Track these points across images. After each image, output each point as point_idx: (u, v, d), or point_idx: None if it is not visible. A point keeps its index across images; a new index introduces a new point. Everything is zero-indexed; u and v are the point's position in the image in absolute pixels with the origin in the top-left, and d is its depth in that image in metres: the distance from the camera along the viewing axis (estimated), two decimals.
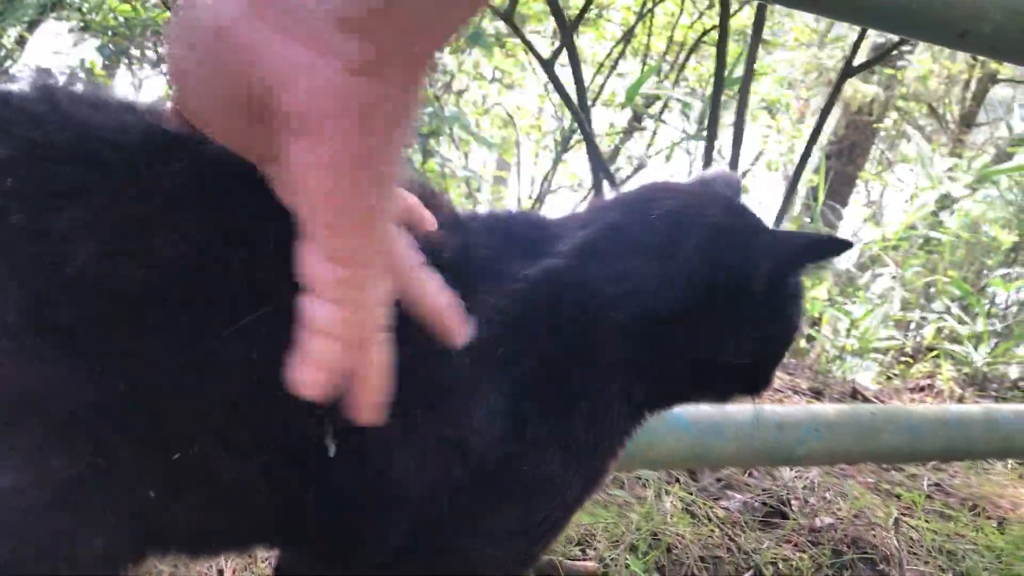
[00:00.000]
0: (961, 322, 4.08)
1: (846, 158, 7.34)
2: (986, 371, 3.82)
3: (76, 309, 0.55)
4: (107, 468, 0.56)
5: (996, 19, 1.17)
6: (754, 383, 0.89)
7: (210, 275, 0.59)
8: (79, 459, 0.55)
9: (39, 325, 0.54)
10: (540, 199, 4.98)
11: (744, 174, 6.99)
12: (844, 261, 5.38)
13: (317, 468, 0.64)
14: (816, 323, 4.56)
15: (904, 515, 1.89)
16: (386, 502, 0.69)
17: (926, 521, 1.92)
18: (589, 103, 4.74)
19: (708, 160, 1.98)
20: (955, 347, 3.95)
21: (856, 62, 1.85)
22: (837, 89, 1.68)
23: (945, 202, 4.67)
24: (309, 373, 0.51)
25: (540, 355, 0.72)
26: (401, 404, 0.60)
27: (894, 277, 4.89)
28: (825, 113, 1.74)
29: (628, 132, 4.57)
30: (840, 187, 7.23)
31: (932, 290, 5.32)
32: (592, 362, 0.75)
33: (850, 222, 7.36)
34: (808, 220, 4.69)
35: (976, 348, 3.79)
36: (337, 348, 0.51)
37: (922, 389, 4.89)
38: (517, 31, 1.77)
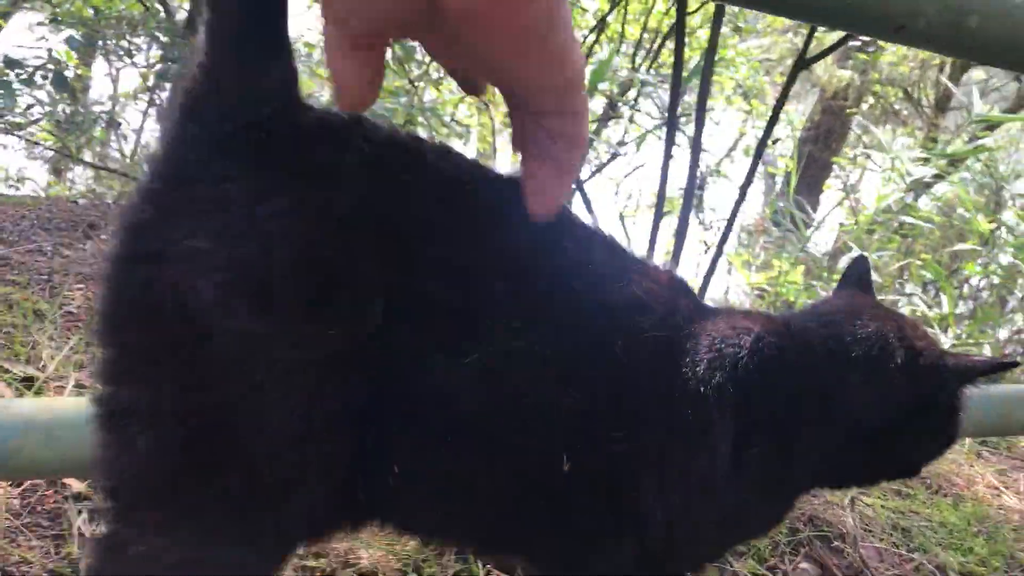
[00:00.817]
0: (929, 305, 4.14)
1: (822, 143, 7.41)
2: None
3: None
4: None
5: (930, 14, 1.21)
6: (907, 472, 1.10)
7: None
8: None
9: None
10: None
11: (720, 162, 7.04)
12: (819, 247, 5.43)
13: (567, 492, 0.79)
14: (790, 308, 4.62)
15: (861, 493, 1.95)
16: (625, 523, 0.83)
17: (883, 499, 1.97)
18: None
19: (670, 146, 2.02)
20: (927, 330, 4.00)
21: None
22: (791, 80, 1.72)
23: (914, 186, 4.72)
24: (555, 201, 0.64)
25: (760, 424, 0.88)
26: (652, 439, 0.80)
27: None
28: (780, 102, 1.78)
29: (603, 120, 4.60)
30: (817, 172, 7.30)
31: (906, 274, 5.39)
32: (798, 443, 0.92)
33: (826, 207, 7.44)
34: (781, 204, 4.73)
35: (944, 331, 3.85)
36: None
37: None
38: None
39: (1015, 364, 1.02)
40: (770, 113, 2.14)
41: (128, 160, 4.84)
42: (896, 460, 1.05)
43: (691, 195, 2.04)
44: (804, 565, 1.71)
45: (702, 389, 0.83)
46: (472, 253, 0.73)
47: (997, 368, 1.01)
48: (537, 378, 0.75)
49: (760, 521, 1.01)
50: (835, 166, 7.26)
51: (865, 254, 1.25)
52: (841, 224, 5.33)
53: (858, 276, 1.13)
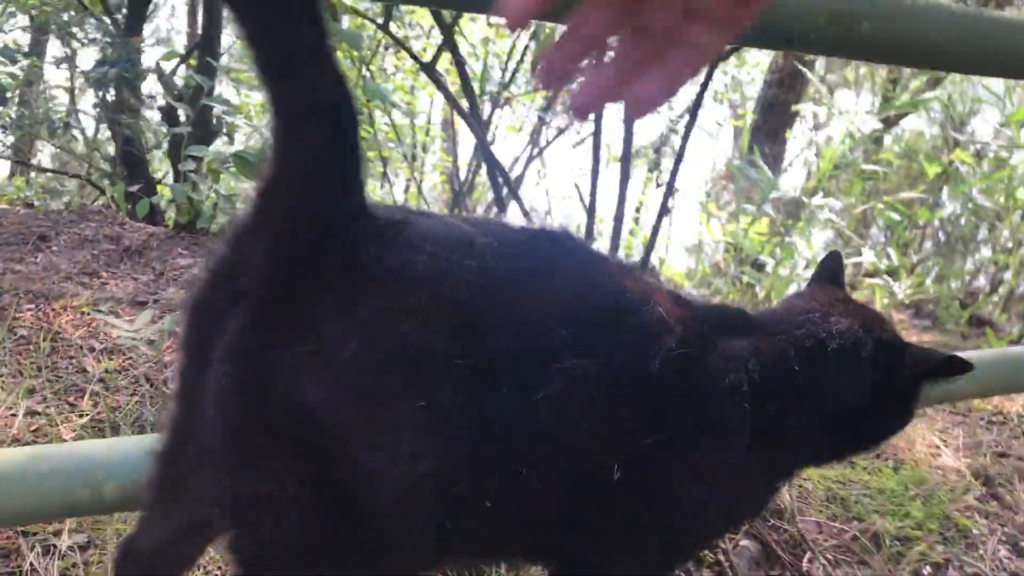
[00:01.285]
0: (880, 256, 4.21)
1: (787, 86, 7.38)
2: (906, 301, 3.96)
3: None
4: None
5: (818, 25, 1.23)
6: (869, 447, 1.23)
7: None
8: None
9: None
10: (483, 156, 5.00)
11: (681, 116, 7.02)
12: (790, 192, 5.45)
13: (611, 498, 0.91)
14: (755, 261, 4.67)
15: None
16: (655, 514, 0.96)
17: (823, 470, 2.04)
18: (514, 68, 4.76)
19: (599, 117, 2.04)
20: (876, 280, 4.08)
21: None
22: (709, 76, 1.74)
23: (866, 141, 4.75)
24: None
25: (762, 419, 0.98)
26: (681, 438, 0.92)
27: (829, 208, 4.99)
28: (699, 99, 1.80)
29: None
30: (781, 116, 7.29)
31: (869, 217, 5.44)
32: (791, 434, 1.04)
33: (794, 149, 7.45)
34: (737, 161, 4.76)
35: (896, 279, 3.92)
36: None
37: None
38: (394, 38, 1.80)
39: (969, 367, 1.09)
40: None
41: (85, 150, 4.78)
42: (861, 439, 1.16)
43: (627, 160, 2.06)
44: (744, 543, 1.78)
45: (720, 391, 0.96)
46: (528, 309, 0.85)
47: (949, 365, 1.10)
48: (592, 403, 0.87)
49: (753, 506, 1.14)
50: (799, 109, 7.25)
51: (838, 250, 1.36)
52: (805, 182, 5.37)
53: (831, 271, 1.26)
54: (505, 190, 2.16)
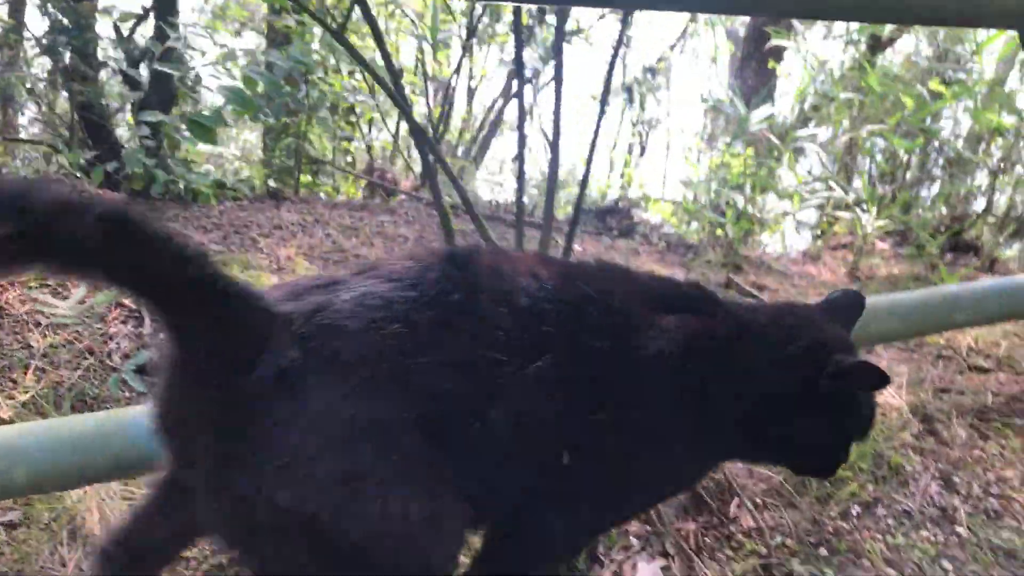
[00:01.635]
0: (846, 191, 4.17)
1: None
2: (875, 233, 3.94)
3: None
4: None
5: None
6: (823, 470, 1.27)
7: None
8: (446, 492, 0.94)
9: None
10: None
11: (662, 57, 6.90)
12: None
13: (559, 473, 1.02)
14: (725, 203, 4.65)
15: None
16: (590, 485, 1.05)
17: None
18: (473, 21, 4.70)
19: (520, 68, 2.02)
20: (845, 213, 4.05)
21: None
22: (624, 29, 1.72)
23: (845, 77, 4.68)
24: None
25: (688, 395, 1.07)
26: (621, 411, 1.02)
27: (814, 137, 4.94)
28: (616, 50, 1.79)
29: (531, 27, 4.54)
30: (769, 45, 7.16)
31: (855, 148, 5.38)
32: (718, 416, 1.11)
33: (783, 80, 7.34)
34: (709, 95, 4.70)
35: (866, 211, 3.89)
36: None
37: (844, 246, 5.02)
38: (299, 3, 1.77)
39: (885, 382, 1.11)
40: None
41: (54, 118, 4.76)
42: (803, 449, 1.18)
43: (559, 110, 2.04)
44: None
45: (646, 360, 1.04)
46: (459, 340, 0.94)
47: (851, 374, 1.11)
48: (545, 390, 0.97)
49: (681, 478, 1.21)
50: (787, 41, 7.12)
51: (855, 289, 1.32)
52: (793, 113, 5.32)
53: (836, 302, 1.28)
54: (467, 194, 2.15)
